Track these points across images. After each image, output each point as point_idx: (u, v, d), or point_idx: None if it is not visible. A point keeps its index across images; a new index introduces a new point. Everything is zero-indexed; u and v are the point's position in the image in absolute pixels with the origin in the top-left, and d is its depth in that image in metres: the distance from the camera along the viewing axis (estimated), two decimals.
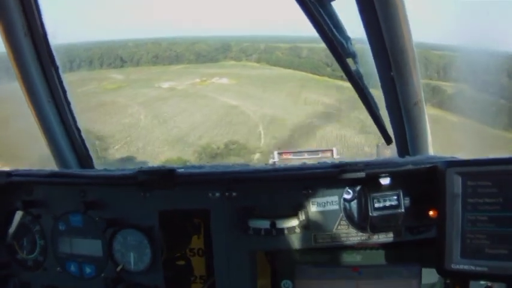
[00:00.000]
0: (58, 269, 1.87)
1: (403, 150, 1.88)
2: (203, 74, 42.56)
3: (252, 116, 30.45)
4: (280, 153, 4.00)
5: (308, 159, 4.30)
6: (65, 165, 2.19)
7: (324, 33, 1.55)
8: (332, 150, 4.01)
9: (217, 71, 44.39)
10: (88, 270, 1.84)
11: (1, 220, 1.92)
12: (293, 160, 4.18)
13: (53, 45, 2.01)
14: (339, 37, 1.62)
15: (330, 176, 1.57)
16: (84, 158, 2.24)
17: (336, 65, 1.68)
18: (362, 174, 1.52)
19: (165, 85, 40.03)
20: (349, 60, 1.66)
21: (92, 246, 1.82)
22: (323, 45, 1.60)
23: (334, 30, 1.60)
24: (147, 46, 49.29)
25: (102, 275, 1.82)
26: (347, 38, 1.67)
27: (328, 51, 1.64)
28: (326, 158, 4.13)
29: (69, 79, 2.15)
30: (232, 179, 1.67)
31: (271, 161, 4.13)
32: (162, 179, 1.64)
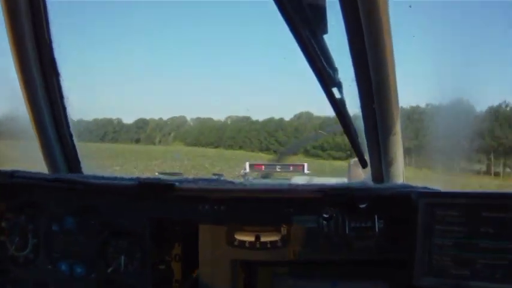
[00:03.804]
0: (49, 266, 1.93)
1: (377, 175, 2.03)
2: None
3: None
4: (252, 165, 4.09)
5: (279, 173, 4.41)
6: (55, 167, 2.19)
7: (315, 63, 1.67)
8: (303, 165, 4.15)
9: None
10: (79, 270, 1.91)
11: None
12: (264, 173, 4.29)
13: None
14: (328, 68, 1.76)
15: (314, 199, 1.70)
16: (73, 162, 2.25)
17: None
18: (344, 199, 1.66)
19: None
20: (335, 90, 1.80)
21: (84, 248, 1.90)
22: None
23: (323, 61, 1.73)
24: None
25: (92, 275, 1.89)
26: (335, 69, 1.81)
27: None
28: (297, 172, 4.27)
29: None
30: (223, 196, 1.78)
31: (242, 172, 4.21)
32: (162, 192, 1.74)
